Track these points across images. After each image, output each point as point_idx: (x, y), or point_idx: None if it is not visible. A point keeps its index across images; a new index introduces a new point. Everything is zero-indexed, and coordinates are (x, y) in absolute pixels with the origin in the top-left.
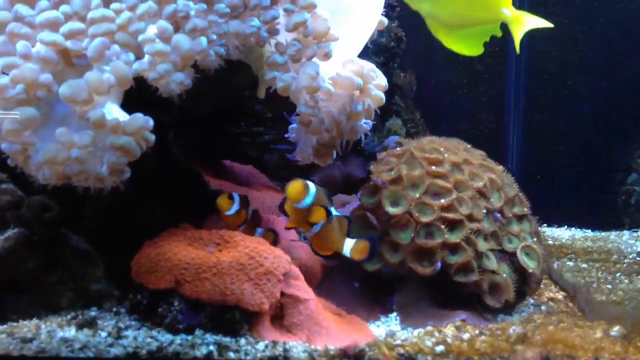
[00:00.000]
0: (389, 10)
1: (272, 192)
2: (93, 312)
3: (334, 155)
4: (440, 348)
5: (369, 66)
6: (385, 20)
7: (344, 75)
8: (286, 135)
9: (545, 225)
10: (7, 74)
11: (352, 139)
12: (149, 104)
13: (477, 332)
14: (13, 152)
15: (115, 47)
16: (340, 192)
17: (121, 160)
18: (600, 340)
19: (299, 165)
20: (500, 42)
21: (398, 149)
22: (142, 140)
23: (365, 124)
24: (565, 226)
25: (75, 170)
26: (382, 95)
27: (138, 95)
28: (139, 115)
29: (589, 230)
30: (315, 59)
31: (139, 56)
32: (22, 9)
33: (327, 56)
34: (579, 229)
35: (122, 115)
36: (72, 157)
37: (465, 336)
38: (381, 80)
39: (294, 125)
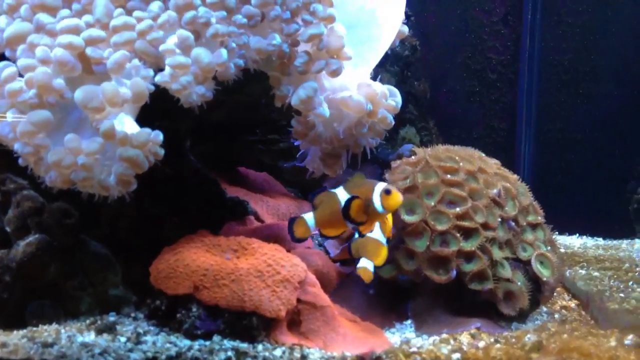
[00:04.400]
0: (403, 19)
1: (287, 199)
2: (112, 317)
3: (344, 166)
4: (456, 356)
5: (381, 90)
6: (406, 30)
7: (356, 99)
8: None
9: (556, 233)
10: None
11: (356, 152)
12: (165, 113)
13: (492, 340)
14: (25, 153)
15: (135, 62)
16: None
17: (128, 171)
18: (615, 348)
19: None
20: (512, 50)
21: (413, 157)
22: (150, 153)
23: (372, 138)
24: (577, 234)
25: (80, 177)
26: (390, 119)
27: (154, 104)
28: (147, 129)
29: (601, 239)
30: (323, 74)
31: (157, 66)
32: (44, 18)
33: (335, 73)
34: (590, 237)
35: (131, 128)
36: (78, 163)
37: (481, 344)
38: (393, 101)
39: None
